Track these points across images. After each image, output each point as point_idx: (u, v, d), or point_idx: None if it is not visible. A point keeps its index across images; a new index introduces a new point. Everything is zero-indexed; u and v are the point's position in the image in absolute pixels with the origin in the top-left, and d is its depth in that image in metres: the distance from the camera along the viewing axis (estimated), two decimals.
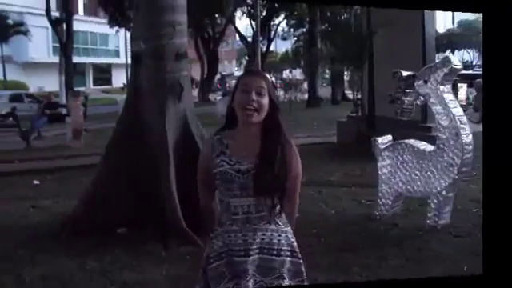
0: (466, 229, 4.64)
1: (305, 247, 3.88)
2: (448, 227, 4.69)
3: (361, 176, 7.21)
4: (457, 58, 5.73)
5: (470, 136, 4.60)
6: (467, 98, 24.92)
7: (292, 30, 33.42)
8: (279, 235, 1.87)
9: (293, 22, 30.92)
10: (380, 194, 5.08)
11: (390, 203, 5.03)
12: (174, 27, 4.81)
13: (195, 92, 25.28)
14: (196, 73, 23.49)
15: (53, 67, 27.32)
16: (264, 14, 26.93)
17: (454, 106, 4.65)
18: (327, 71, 32.96)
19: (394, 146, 5.04)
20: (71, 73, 21.99)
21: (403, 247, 4.24)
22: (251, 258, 1.82)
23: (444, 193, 4.65)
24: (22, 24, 28.39)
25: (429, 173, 4.70)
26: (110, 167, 4.86)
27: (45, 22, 23.06)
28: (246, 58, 34.51)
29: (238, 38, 34.30)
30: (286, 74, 45.66)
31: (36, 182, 7.30)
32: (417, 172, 4.79)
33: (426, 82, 4.65)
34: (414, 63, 7.86)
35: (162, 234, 4.22)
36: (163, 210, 4.37)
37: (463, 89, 23.44)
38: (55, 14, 22.84)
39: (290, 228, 1.92)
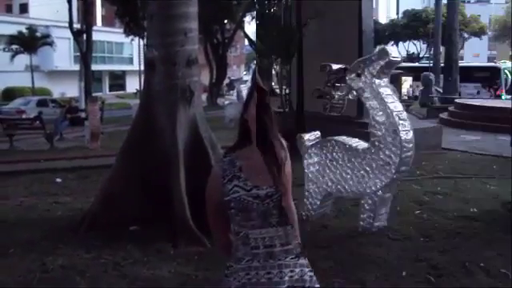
0: (405, 232, 4.08)
1: None
2: (385, 230, 4.10)
3: None
4: (396, 50, 4.52)
5: (411, 133, 3.98)
6: (413, 92, 22.32)
7: None
8: (310, 270, 1.48)
9: None
10: (307, 194, 4.44)
11: (318, 203, 4.41)
12: (185, 34, 4.70)
13: (204, 96, 25.01)
14: (205, 77, 23.31)
15: (74, 75, 27.44)
16: None
17: (391, 100, 4.01)
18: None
19: (322, 143, 4.41)
20: (90, 79, 21.96)
21: (333, 250, 3.71)
22: None
23: (380, 193, 4.03)
24: (48, 36, 28.53)
25: (362, 172, 4.07)
26: (123, 168, 4.78)
27: (67, 33, 23.16)
28: (255, 62, 33.57)
29: (246, 42, 33.33)
30: None
31: (58, 179, 7.26)
32: (348, 171, 4.16)
33: (359, 75, 4.04)
34: (350, 56, 6.93)
35: (171, 233, 4.11)
36: (173, 210, 4.27)
37: (408, 82, 21.33)
38: (76, 25, 22.89)
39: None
